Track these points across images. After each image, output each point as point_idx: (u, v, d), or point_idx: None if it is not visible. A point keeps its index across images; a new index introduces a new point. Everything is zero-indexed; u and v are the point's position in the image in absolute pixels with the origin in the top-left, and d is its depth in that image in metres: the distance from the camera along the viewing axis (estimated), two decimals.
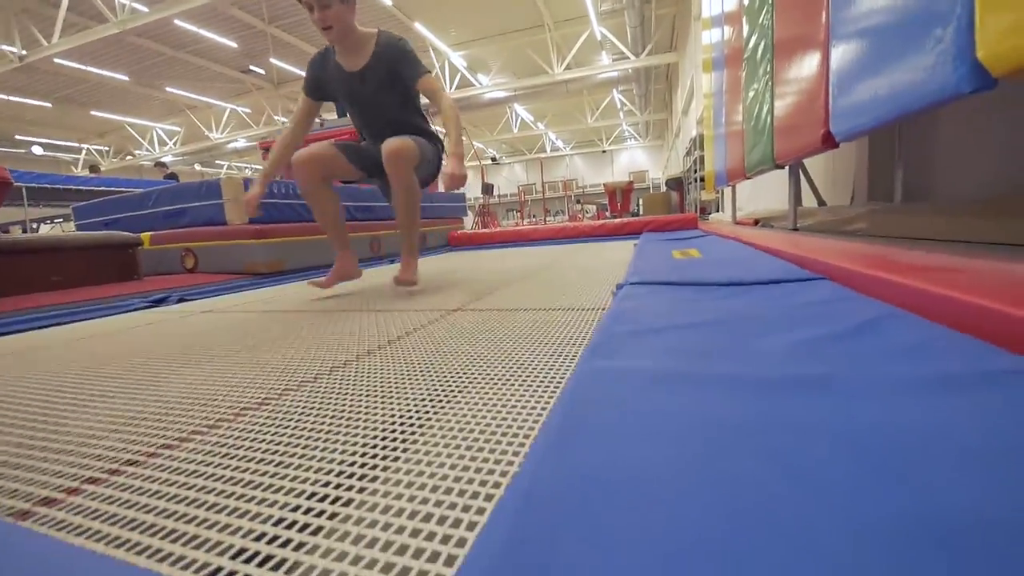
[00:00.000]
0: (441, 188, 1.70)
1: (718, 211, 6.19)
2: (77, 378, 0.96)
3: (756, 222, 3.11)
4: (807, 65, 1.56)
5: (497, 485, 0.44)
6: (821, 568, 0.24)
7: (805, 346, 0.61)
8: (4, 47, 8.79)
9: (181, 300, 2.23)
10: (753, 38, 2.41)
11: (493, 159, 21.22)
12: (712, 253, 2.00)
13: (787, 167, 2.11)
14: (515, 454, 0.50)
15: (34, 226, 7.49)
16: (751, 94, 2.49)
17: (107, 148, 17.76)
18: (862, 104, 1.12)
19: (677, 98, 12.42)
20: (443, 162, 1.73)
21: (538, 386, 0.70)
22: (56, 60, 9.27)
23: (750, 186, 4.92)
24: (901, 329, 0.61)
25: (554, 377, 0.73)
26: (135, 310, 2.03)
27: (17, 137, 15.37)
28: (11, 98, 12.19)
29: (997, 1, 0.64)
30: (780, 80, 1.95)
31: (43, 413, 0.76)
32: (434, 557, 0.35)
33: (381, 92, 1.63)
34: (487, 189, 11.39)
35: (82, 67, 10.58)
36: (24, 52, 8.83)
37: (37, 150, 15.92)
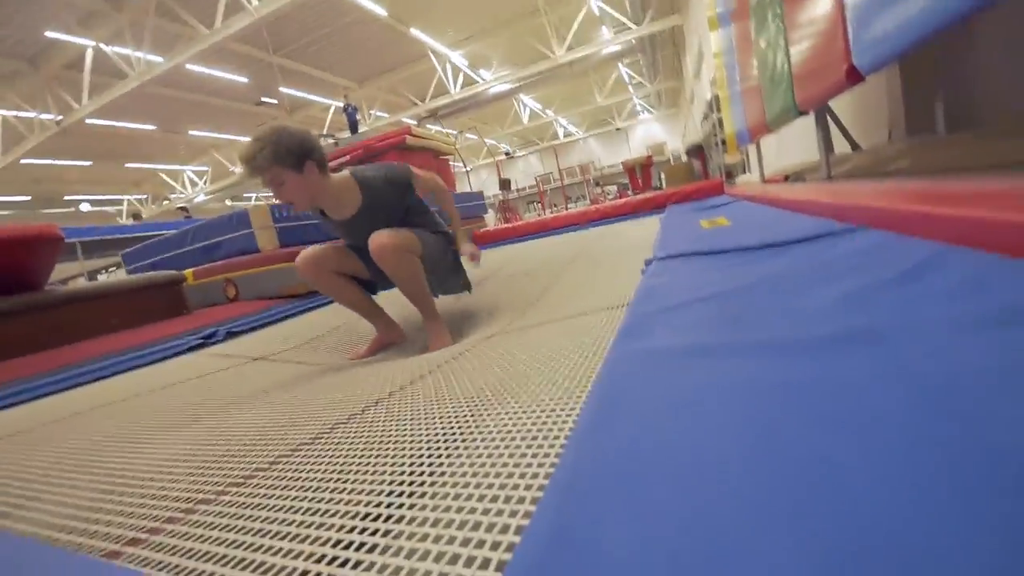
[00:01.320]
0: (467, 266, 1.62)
1: (745, 172, 5.94)
2: (146, 430, 0.99)
3: (786, 178, 2.97)
4: (820, 1, 1.46)
5: (541, 475, 0.44)
6: (897, 537, 0.22)
7: (848, 299, 0.58)
8: (43, 116, 9.43)
9: (230, 334, 2.33)
10: None
11: (507, 154, 21.14)
12: (742, 219, 1.92)
13: (813, 114, 2.00)
14: (551, 446, 0.49)
15: (92, 277, 8.04)
16: (763, 44, 2.37)
17: (145, 196, 18.78)
18: (886, 30, 1.04)
19: (686, 63, 11.98)
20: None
21: (572, 386, 0.67)
22: (88, 121, 9.86)
23: (775, 141, 4.69)
24: (955, 266, 0.57)
25: (587, 373, 0.71)
26: (189, 349, 2.11)
27: (66, 197, 16.48)
28: (55, 161, 13.07)
29: None
30: (792, 23, 1.84)
31: (120, 461, 0.80)
32: (495, 545, 0.35)
33: (375, 225, 1.41)
34: (505, 185, 11.36)
35: (112, 123, 11.21)
36: (60, 117, 9.44)
37: (85, 207, 17.03)
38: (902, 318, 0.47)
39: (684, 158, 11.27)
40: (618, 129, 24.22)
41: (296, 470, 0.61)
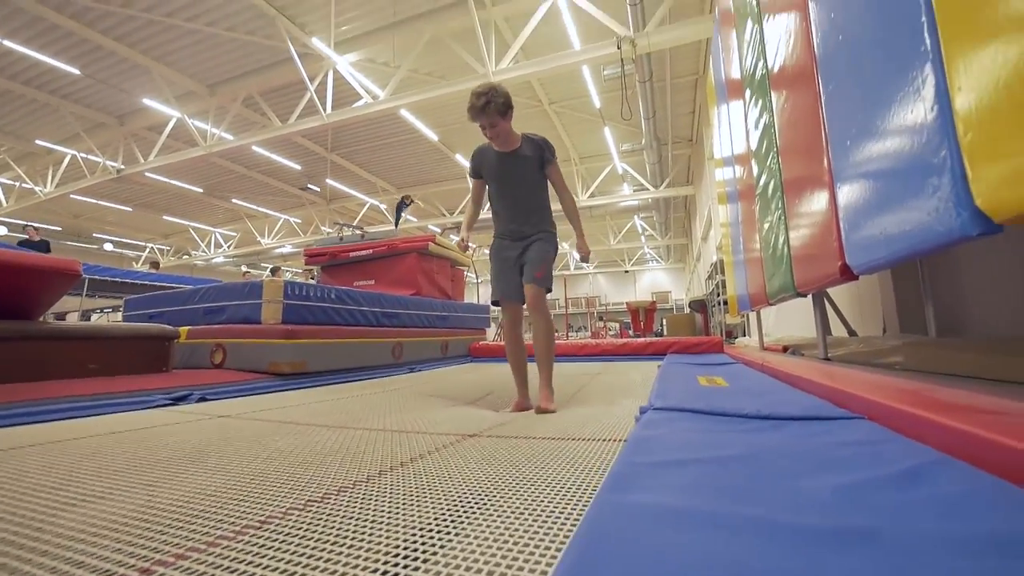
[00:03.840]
0: (577, 257, 2.03)
1: (745, 335, 6.10)
2: (87, 476, 0.94)
3: (785, 349, 3.04)
4: (816, 202, 1.65)
5: None
6: None
7: (846, 492, 0.56)
8: (109, 163, 10.30)
9: (202, 399, 2.25)
10: (763, 177, 2.61)
11: None
12: (740, 382, 1.93)
13: (810, 296, 2.13)
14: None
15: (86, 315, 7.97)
16: (766, 225, 2.62)
17: (168, 247, 19.52)
18: (875, 240, 1.16)
19: (696, 225, 13.11)
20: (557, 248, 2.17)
21: (556, 518, 0.65)
22: (146, 174, 10.73)
23: (775, 312, 4.90)
24: (950, 478, 0.56)
25: (573, 510, 0.68)
26: (157, 406, 2.04)
27: (95, 235, 17.18)
28: (101, 202, 13.92)
29: (984, 155, 0.70)
30: (793, 215, 2.06)
31: (49, 508, 0.74)
32: None
33: (520, 168, 2.03)
34: None
35: (167, 180, 12.17)
36: (122, 167, 10.30)
37: (108, 247, 17.63)
38: (899, 525, 0.46)
39: (687, 309, 11.68)
40: (626, 271, 25.57)
41: (234, 559, 0.55)
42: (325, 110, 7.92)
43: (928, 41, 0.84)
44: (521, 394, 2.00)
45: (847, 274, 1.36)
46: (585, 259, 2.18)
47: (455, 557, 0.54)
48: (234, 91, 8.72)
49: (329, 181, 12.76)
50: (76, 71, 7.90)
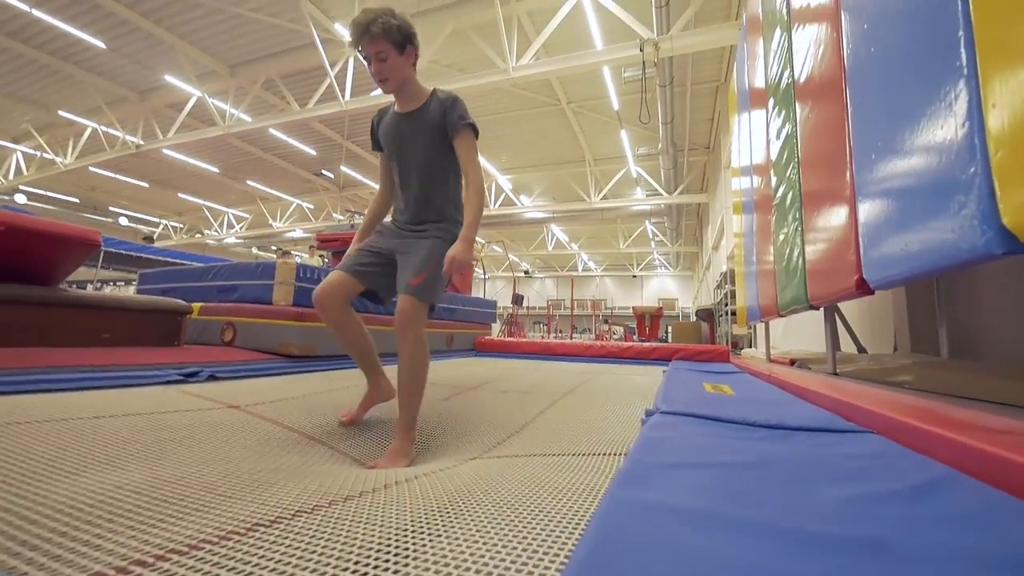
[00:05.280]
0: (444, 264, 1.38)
1: (751, 346, 6.07)
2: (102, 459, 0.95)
3: (792, 362, 3.02)
4: (836, 216, 1.64)
5: None
6: None
7: (857, 503, 0.57)
8: (128, 137, 10.42)
9: (212, 376, 2.27)
10: (781, 188, 2.59)
11: (526, 272, 22.14)
12: (746, 391, 1.92)
13: (822, 309, 2.11)
14: None
15: (98, 286, 8.11)
16: (781, 237, 2.60)
17: (182, 225, 19.72)
18: (894, 255, 1.15)
19: (707, 234, 13.02)
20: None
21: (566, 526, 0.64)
22: (164, 151, 10.85)
23: (784, 324, 4.87)
24: (960, 493, 0.56)
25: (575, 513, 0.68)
26: (169, 381, 2.06)
27: (111, 208, 17.40)
28: (119, 176, 14.10)
29: (1014, 174, 0.69)
30: (810, 227, 2.04)
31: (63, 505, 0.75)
32: None
33: (422, 132, 1.46)
34: (517, 300, 11.73)
35: (183, 158, 12.29)
36: (142, 142, 10.42)
37: (123, 221, 17.85)
38: (910, 537, 0.46)
39: (693, 318, 11.63)
40: (634, 276, 25.47)
41: (240, 559, 0.56)
42: (344, 97, 7.95)
43: (964, 55, 0.83)
44: (370, 382, 1.51)
45: (863, 288, 1.35)
46: (451, 272, 1.36)
47: (468, 555, 0.55)
48: (255, 73, 8.77)
49: (344, 168, 12.81)
50: (102, 44, 7.99)
